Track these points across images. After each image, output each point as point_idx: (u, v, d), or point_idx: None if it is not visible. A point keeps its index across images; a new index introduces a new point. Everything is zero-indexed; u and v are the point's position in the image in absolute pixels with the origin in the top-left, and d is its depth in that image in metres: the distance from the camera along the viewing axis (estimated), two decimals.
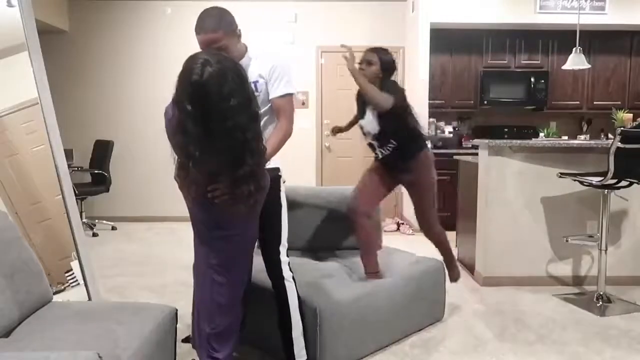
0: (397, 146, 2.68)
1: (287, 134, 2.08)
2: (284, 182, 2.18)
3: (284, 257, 2.11)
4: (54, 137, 2.64)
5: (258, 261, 2.10)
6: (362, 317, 2.32)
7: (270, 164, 1.99)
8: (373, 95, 2.54)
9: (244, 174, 1.66)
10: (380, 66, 2.67)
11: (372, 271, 2.54)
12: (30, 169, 2.62)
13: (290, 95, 2.08)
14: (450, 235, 4.57)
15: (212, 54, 1.66)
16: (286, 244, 2.13)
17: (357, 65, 2.58)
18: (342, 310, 2.23)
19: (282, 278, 2.09)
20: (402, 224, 5.62)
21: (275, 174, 2.07)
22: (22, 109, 2.59)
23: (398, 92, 2.63)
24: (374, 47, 2.75)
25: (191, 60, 1.63)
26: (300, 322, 2.10)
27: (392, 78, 2.75)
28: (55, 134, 2.64)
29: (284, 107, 2.07)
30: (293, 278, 2.11)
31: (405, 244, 4.51)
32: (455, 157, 4.43)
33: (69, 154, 4.99)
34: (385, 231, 5.39)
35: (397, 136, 2.68)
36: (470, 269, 3.80)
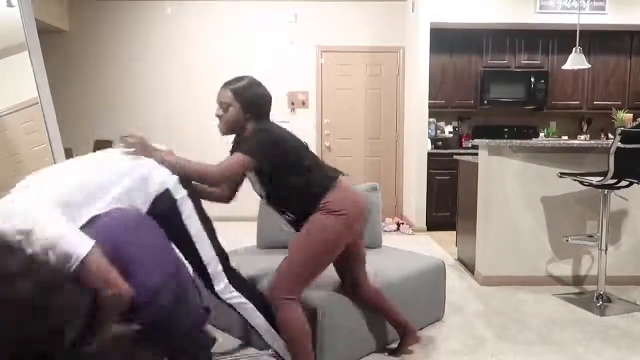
0: (295, 219, 2.02)
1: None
2: (191, 197, 1.85)
3: (219, 285, 1.89)
4: (54, 137, 2.64)
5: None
6: (362, 317, 2.32)
7: (160, 187, 1.76)
8: (189, 170, 1.85)
9: None
10: (241, 105, 1.97)
11: None
12: (30, 169, 2.62)
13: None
14: (451, 235, 4.60)
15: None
16: (216, 265, 1.88)
17: (216, 111, 2.01)
18: (342, 310, 2.23)
19: (232, 306, 1.94)
20: (402, 223, 5.63)
21: (168, 198, 1.77)
22: (22, 109, 2.59)
23: (261, 146, 1.90)
24: (228, 80, 2.01)
25: None
26: (272, 329, 1.99)
27: (270, 116, 2.06)
28: (55, 134, 2.65)
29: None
30: (245, 294, 1.94)
31: (405, 244, 4.52)
32: (455, 157, 4.43)
33: (69, 154, 4.99)
34: (385, 231, 5.39)
35: (288, 204, 2.02)
36: (470, 269, 3.80)
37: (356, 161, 6.13)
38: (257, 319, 1.98)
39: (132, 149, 1.81)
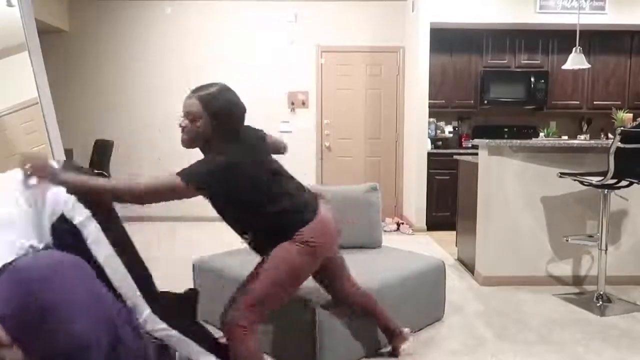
0: (253, 239, 1.91)
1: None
2: (91, 218, 1.58)
3: (140, 316, 1.63)
4: (54, 137, 2.64)
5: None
6: (362, 317, 2.32)
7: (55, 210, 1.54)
8: (105, 190, 1.64)
9: None
10: (210, 116, 1.75)
11: None
12: None
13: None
14: (451, 235, 4.60)
15: None
16: (134, 293, 1.62)
17: (180, 121, 1.82)
18: (341, 310, 2.23)
19: (159, 339, 1.69)
20: (402, 223, 5.63)
21: (66, 224, 1.54)
22: (22, 109, 2.59)
23: (210, 174, 1.66)
24: (195, 87, 1.83)
25: None
26: (210, 356, 1.79)
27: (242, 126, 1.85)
28: (55, 134, 2.65)
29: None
30: (171, 322, 1.71)
31: (405, 244, 4.52)
32: (455, 157, 4.43)
33: (69, 154, 4.99)
34: (385, 231, 5.39)
35: (251, 233, 1.90)
36: (470, 269, 3.80)
37: (356, 161, 6.13)
38: (188, 348, 1.75)
39: (30, 175, 1.56)
